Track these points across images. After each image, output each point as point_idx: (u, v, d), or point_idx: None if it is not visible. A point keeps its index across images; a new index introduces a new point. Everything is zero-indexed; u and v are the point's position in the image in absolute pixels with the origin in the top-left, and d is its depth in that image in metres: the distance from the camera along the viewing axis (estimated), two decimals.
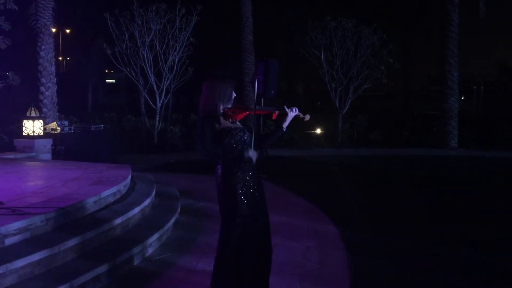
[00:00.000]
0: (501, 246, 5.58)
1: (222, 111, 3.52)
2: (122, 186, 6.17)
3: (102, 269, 4.19)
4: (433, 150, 15.35)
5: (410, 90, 27.72)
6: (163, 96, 14.68)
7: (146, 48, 14.14)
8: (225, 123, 3.53)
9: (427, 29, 24.77)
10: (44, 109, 12.17)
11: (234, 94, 3.60)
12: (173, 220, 5.95)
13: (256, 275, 3.55)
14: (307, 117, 3.67)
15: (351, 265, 4.80)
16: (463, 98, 23.66)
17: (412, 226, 6.35)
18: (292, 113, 3.61)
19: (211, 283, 3.59)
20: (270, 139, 3.71)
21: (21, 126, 9.51)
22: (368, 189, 9.04)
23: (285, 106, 3.63)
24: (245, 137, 3.53)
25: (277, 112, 3.63)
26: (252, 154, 3.46)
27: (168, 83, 14.58)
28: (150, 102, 14.76)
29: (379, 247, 5.41)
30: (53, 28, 12.84)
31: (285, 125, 3.62)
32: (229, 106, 3.55)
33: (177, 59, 14.39)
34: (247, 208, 3.48)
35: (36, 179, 6.73)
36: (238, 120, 3.60)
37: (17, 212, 4.40)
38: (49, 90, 12.39)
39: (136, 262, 4.72)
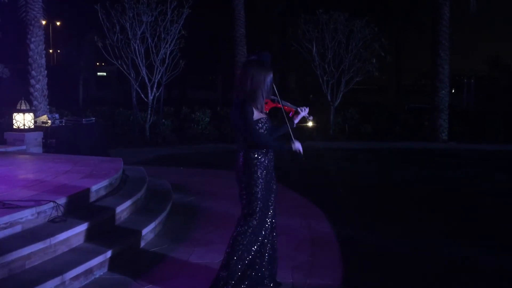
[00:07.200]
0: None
1: (262, 99, 3.65)
2: (114, 179, 6.15)
3: (94, 262, 4.18)
4: (424, 143, 15.44)
5: (402, 84, 27.82)
6: (154, 89, 14.63)
7: (138, 41, 14.07)
8: (259, 113, 3.68)
9: (420, 23, 24.85)
10: (35, 102, 12.08)
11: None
12: (166, 212, 5.95)
13: (267, 265, 3.81)
14: (311, 118, 4.07)
15: (343, 259, 4.84)
16: (453, 91, 23.78)
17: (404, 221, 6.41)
18: (303, 113, 3.98)
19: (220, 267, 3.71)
20: (280, 131, 3.94)
21: (11, 119, 9.43)
22: (359, 183, 9.08)
23: (297, 107, 3.98)
24: (268, 127, 3.73)
25: (294, 110, 3.98)
26: (298, 145, 3.78)
27: (159, 76, 14.51)
28: (142, 95, 14.70)
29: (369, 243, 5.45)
30: (43, 20, 12.73)
31: (296, 121, 3.99)
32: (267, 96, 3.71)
33: (168, 52, 14.33)
34: (265, 196, 3.68)
35: (27, 172, 6.68)
36: (266, 111, 3.80)
37: (7, 206, 4.37)
38: (39, 83, 12.28)
39: (129, 254, 4.70)
